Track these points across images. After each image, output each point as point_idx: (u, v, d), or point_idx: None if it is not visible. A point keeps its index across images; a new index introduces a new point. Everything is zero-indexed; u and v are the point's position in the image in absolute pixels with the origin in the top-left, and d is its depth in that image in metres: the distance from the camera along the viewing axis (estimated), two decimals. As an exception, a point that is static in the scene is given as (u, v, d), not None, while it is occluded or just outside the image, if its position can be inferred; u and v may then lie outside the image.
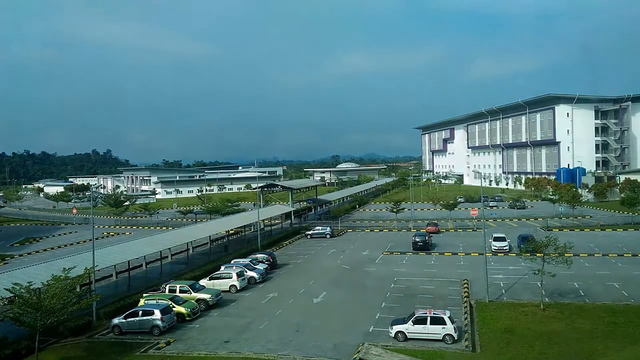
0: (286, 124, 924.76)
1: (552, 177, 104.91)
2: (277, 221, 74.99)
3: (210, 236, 54.48)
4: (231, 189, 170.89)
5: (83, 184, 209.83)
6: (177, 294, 33.37)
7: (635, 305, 30.45)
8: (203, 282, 37.90)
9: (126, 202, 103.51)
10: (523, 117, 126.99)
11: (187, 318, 30.88)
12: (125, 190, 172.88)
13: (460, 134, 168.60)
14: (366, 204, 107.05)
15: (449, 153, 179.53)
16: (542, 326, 27.17)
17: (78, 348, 27.07)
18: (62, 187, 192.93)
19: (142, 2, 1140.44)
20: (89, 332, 29.50)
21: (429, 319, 25.86)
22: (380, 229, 69.90)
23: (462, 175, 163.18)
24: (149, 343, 27.32)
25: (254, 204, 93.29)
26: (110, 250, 39.77)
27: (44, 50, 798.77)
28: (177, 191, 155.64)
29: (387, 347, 24.70)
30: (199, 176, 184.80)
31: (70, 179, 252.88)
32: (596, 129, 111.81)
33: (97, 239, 55.97)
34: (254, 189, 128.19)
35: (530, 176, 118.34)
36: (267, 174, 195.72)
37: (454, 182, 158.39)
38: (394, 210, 74.61)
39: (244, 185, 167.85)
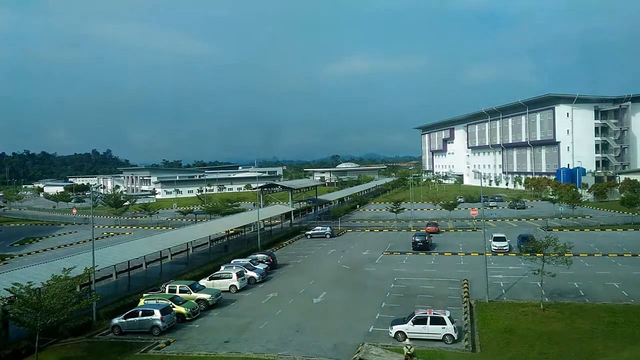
0: (286, 124, 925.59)
1: (552, 177, 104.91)
2: (277, 221, 75.00)
3: (210, 236, 54.47)
4: (231, 189, 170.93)
5: (83, 184, 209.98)
6: (177, 294, 33.36)
7: (635, 305, 30.45)
8: (203, 282, 37.90)
9: (126, 202, 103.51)
10: (523, 117, 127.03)
11: (187, 318, 30.88)
12: (125, 190, 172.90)
13: (460, 134, 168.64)
14: (366, 204, 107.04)
15: (449, 153, 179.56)
16: (542, 326, 27.17)
17: (78, 348, 27.07)
18: (62, 187, 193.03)
19: (141, 2, 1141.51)
20: (89, 332, 29.50)
21: (429, 319, 25.86)
22: (380, 229, 69.91)
23: (462, 175, 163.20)
24: (149, 343, 27.32)
25: (254, 204, 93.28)
26: (110, 250, 39.77)
27: (43, 50, 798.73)
28: (177, 191, 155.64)
29: (387, 347, 24.70)
30: (199, 176, 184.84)
31: (70, 179, 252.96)
32: (596, 129, 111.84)
33: (97, 239, 56.01)
34: (254, 189, 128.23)
35: (530, 176, 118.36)
36: (267, 174, 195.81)
37: (453, 182, 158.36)
38: (394, 210, 74.62)
39: (244, 185, 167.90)
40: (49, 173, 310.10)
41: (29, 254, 59.85)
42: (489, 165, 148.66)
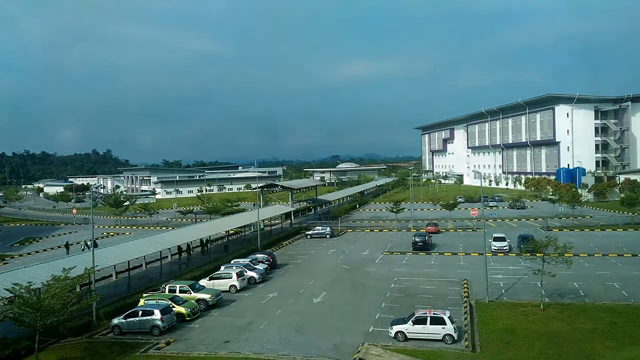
0: (286, 124, 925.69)
1: (552, 177, 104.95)
2: (277, 221, 75.01)
3: (210, 236, 54.45)
4: (231, 189, 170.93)
5: (83, 184, 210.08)
6: (177, 294, 33.35)
7: (635, 305, 30.45)
8: (203, 282, 37.90)
9: (126, 202, 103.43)
10: (523, 117, 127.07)
11: (187, 318, 30.88)
12: (125, 190, 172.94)
13: (460, 134, 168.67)
14: (366, 204, 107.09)
15: (449, 153, 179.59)
16: (542, 326, 27.18)
17: (78, 348, 27.07)
18: (62, 187, 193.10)
19: (141, 2, 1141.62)
20: (89, 332, 29.50)
21: (428, 319, 25.85)
22: (380, 229, 69.92)
23: (462, 175, 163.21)
24: (149, 343, 27.32)
25: (254, 204, 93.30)
26: (110, 250, 39.77)
27: (44, 49, 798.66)
28: (177, 191, 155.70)
29: (387, 347, 24.69)
30: (199, 176, 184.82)
31: (70, 179, 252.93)
32: (596, 129, 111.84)
33: (97, 239, 55.99)
34: (254, 189, 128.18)
35: (530, 176, 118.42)
36: (267, 174, 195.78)
37: (453, 182, 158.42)
38: (394, 210, 74.64)
39: (244, 185, 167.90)
40: (49, 173, 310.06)
41: (29, 254, 59.83)
42: (489, 166, 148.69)
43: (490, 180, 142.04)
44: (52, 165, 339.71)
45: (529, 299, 32.05)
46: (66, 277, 26.17)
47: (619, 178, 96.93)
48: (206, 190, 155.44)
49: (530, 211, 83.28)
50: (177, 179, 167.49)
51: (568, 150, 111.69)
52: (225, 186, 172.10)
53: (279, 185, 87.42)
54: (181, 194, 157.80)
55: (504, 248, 48.95)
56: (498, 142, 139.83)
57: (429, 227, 62.95)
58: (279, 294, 36.68)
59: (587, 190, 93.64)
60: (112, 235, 72.46)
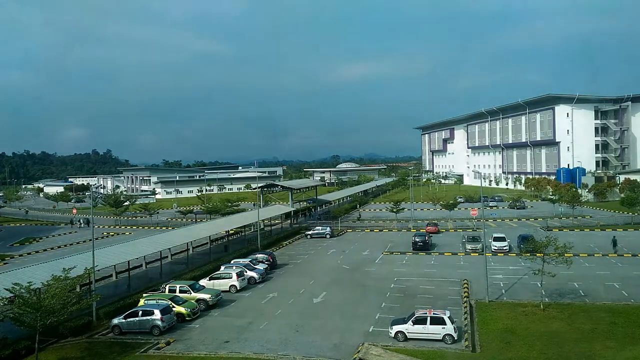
0: (286, 124, 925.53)
1: (552, 177, 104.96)
2: (277, 221, 75.03)
3: (210, 236, 54.46)
4: (231, 189, 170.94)
5: (83, 184, 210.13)
6: (177, 294, 33.36)
7: (635, 305, 30.46)
8: (203, 282, 37.90)
9: (126, 202, 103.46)
10: (523, 117, 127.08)
11: (187, 318, 30.88)
12: (125, 190, 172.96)
13: (460, 134, 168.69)
14: (366, 204, 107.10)
15: (449, 153, 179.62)
16: (542, 326, 27.19)
17: (78, 348, 27.07)
18: (62, 187, 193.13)
19: (141, 2, 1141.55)
20: (89, 332, 29.51)
21: (428, 319, 25.86)
22: (380, 229, 69.93)
23: (462, 175, 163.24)
24: (149, 343, 27.33)
25: (254, 204, 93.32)
26: (110, 250, 39.76)
27: (44, 49, 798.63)
28: (177, 191, 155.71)
29: (387, 347, 24.70)
30: (199, 176, 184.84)
31: (70, 179, 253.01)
32: (596, 129, 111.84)
33: (97, 239, 55.99)
34: (254, 189, 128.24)
35: (530, 176, 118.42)
36: (267, 174, 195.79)
37: (453, 182, 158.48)
38: (394, 210, 74.66)
39: (244, 185, 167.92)
40: (49, 173, 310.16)
41: (28, 254, 59.87)
42: (489, 165, 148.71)
43: (490, 180, 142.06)
44: (52, 165, 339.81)
45: (529, 299, 32.05)
46: (66, 277, 26.20)
47: (619, 178, 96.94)
48: (206, 190, 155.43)
49: (530, 211, 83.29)
50: (177, 179, 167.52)
51: (568, 150, 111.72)
52: (225, 186, 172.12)
53: (279, 185, 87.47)
54: (181, 194, 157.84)
55: (504, 248, 48.96)
56: (498, 142, 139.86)
57: (429, 227, 62.97)
58: (279, 294, 36.69)
59: (587, 190, 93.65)
60: (112, 235, 72.47)
